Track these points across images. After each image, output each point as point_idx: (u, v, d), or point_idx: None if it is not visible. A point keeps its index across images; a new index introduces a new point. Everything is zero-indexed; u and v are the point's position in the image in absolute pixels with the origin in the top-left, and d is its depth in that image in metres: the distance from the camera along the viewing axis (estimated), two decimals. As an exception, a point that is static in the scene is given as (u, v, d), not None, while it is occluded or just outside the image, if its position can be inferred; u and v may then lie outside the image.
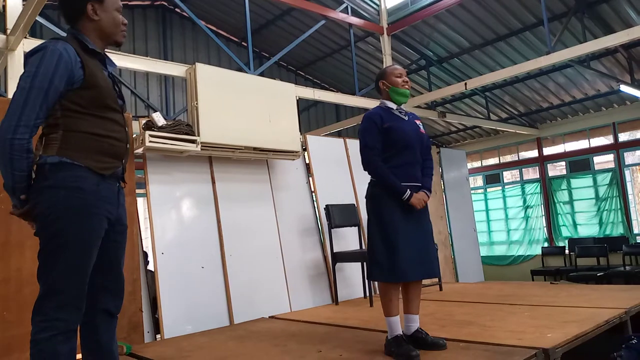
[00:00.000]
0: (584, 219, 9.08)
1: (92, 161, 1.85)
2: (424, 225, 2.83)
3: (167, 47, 8.94)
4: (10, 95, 3.94)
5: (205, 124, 4.25)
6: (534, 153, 9.95)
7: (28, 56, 1.83)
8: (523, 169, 10.15)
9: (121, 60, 4.65)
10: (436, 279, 5.17)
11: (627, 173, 8.69)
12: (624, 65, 7.52)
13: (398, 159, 2.77)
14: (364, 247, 5.17)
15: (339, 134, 8.16)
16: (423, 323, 2.87)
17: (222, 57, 9.25)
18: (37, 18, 3.95)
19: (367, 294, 4.69)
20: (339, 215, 4.94)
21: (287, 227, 4.95)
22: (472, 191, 9.51)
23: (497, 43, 7.66)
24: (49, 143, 1.83)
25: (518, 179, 10.27)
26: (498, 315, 3.50)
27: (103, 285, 1.95)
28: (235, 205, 4.60)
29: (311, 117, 10.44)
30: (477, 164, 10.90)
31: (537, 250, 9.51)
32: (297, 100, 5.28)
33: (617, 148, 8.73)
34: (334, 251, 4.82)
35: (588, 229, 8.98)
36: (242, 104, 4.55)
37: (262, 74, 5.64)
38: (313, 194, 5.33)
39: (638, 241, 8.34)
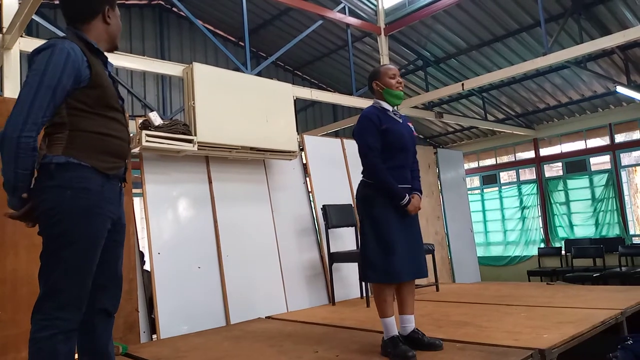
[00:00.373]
0: (580, 219, 9.10)
1: (98, 161, 1.85)
2: (414, 225, 2.83)
3: (164, 46, 8.93)
4: (6, 94, 3.93)
5: (202, 123, 4.24)
6: (530, 154, 9.97)
7: (35, 54, 1.82)
8: (520, 170, 10.18)
9: (118, 59, 4.63)
10: (433, 280, 5.18)
11: (623, 174, 8.72)
12: (620, 66, 7.54)
13: (393, 161, 2.75)
14: (360, 247, 5.16)
15: (336, 134, 8.15)
16: (419, 323, 2.87)
17: (220, 56, 9.24)
18: (33, 17, 3.93)
19: (364, 295, 4.69)
20: (336, 216, 4.93)
21: (284, 228, 4.95)
22: (469, 192, 9.53)
23: (494, 44, 7.67)
24: (54, 142, 1.82)
25: (515, 180, 10.29)
26: (494, 316, 3.50)
27: (101, 284, 1.95)
28: (232, 205, 4.59)
29: (308, 117, 10.44)
30: (474, 165, 10.92)
31: (533, 251, 9.54)
32: (295, 100, 5.28)
33: (614, 149, 8.76)
34: (331, 251, 4.82)
35: (584, 230, 9.01)
36: (239, 103, 4.54)
37: (259, 74, 5.64)
38: (310, 194, 5.33)
39: (634, 242, 8.37)
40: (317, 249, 5.17)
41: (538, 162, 9.77)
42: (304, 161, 5.41)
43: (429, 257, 5.19)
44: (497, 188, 10.51)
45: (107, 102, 1.91)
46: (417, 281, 3.05)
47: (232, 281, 4.33)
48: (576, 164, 9.27)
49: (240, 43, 9.43)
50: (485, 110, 9.29)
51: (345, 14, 7.15)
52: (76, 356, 1.90)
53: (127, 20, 8.42)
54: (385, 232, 2.68)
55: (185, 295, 4.03)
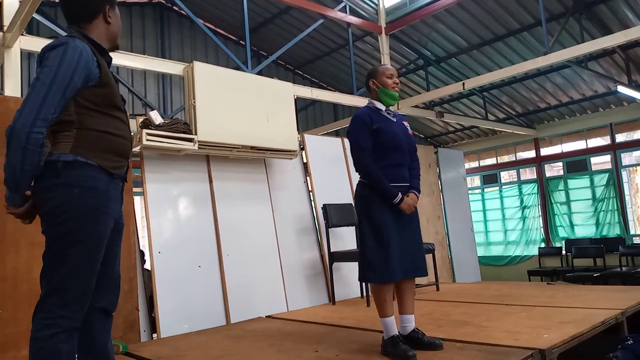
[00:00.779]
0: (581, 219, 9.10)
1: (104, 160, 1.86)
2: (413, 224, 2.83)
3: (165, 45, 8.92)
4: (7, 92, 3.93)
5: (203, 122, 4.24)
6: (531, 153, 9.96)
7: (47, 50, 1.81)
8: (520, 170, 10.17)
9: (119, 58, 4.63)
10: (433, 279, 5.18)
11: (624, 174, 8.71)
12: (621, 66, 7.53)
13: (387, 160, 2.76)
14: (361, 246, 5.16)
15: (336, 134, 8.15)
16: (419, 323, 2.87)
17: (220, 55, 9.23)
18: (33, 15, 3.93)
19: (364, 294, 4.69)
20: (336, 215, 4.93)
21: (285, 227, 4.95)
22: (470, 191, 9.53)
23: (495, 43, 7.66)
24: (61, 140, 1.82)
25: (515, 180, 10.28)
26: (494, 316, 3.50)
27: (99, 283, 1.94)
28: (232, 204, 4.59)
29: (309, 116, 10.43)
30: (474, 164, 10.92)
31: (534, 250, 9.53)
32: (295, 99, 5.28)
33: (614, 149, 8.75)
34: (331, 251, 4.81)
35: (585, 230, 9.01)
36: (239, 102, 4.54)
37: (260, 73, 5.63)
38: (310, 193, 5.33)
39: (634, 242, 8.37)
40: (317, 248, 5.17)
41: (539, 162, 9.76)
42: (305, 160, 5.41)
43: (429, 257, 5.20)
44: (497, 188, 10.50)
45: (113, 101, 1.92)
46: (417, 280, 3.05)
47: (233, 280, 4.33)
48: (577, 164, 9.26)
49: (240, 42, 9.43)
50: (486, 110, 9.28)
51: (346, 13, 7.14)
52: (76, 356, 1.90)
53: (128, 18, 8.42)
54: (383, 232, 2.68)
55: (185, 294, 4.03)
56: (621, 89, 7.19)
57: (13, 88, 3.94)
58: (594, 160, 9.11)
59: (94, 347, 1.95)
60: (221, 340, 3.44)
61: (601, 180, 8.84)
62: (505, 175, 10.59)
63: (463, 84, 6.76)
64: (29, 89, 1.77)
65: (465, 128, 10.48)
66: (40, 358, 1.72)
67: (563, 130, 9.43)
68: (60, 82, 1.75)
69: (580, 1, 6.39)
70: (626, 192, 8.64)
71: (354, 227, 5.13)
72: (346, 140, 5.81)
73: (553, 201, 9.45)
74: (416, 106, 7.73)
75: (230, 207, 4.57)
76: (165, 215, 4.19)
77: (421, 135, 11.17)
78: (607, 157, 8.91)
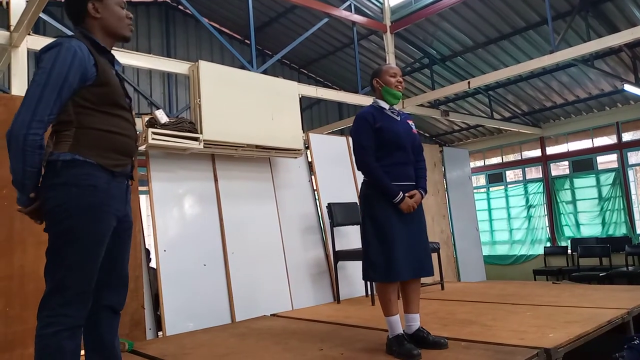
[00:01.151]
0: (587, 218, 9.06)
1: (104, 158, 1.86)
2: (419, 223, 2.82)
3: (170, 44, 8.94)
4: (14, 91, 3.95)
5: (208, 121, 4.25)
6: (537, 152, 9.92)
7: (42, 52, 1.83)
8: (526, 168, 10.13)
9: (124, 57, 4.64)
10: (438, 278, 5.17)
11: (630, 173, 8.66)
12: (628, 64, 7.49)
13: (390, 159, 2.76)
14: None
15: (341, 132, 8.15)
16: (424, 322, 2.87)
17: (225, 54, 9.24)
18: (40, 15, 3.95)
19: (369, 293, 4.69)
20: (341, 214, 4.93)
21: (289, 225, 4.95)
22: (475, 190, 9.50)
23: (501, 42, 7.63)
24: (61, 140, 1.83)
25: (521, 179, 10.25)
26: (500, 315, 3.49)
27: (107, 281, 1.96)
28: (237, 203, 4.60)
29: (314, 115, 10.43)
30: (479, 163, 10.88)
31: (539, 250, 9.49)
32: (300, 98, 5.28)
33: (621, 148, 8.70)
34: (336, 249, 4.82)
35: (591, 229, 8.96)
36: (244, 101, 4.55)
37: (265, 72, 5.64)
38: (315, 192, 5.33)
39: (641, 241, 8.32)
40: (322, 247, 5.17)
41: (544, 161, 9.72)
42: (310, 159, 5.42)
43: (434, 256, 5.20)
44: (503, 187, 10.47)
45: (113, 100, 1.91)
46: (422, 280, 3.05)
47: (238, 279, 4.35)
48: (583, 163, 9.22)
49: (246, 41, 9.43)
50: (491, 109, 9.25)
51: (351, 11, 7.13)
52: (82, 352, 1.91)
53: (133, 18, 8.42)
54: (386, 231, 2.68)
55: (190, 292, 4.04)
56: (628, 87, 7.15)
57: (20, 87, 3.96)
58: (600, 159, 9.06)
59: (101, 345, 1.96)
60: (226, 339, 3.45)
61: (607, 179, 8.80)
62: (511, 174, 10.56)
63: (468, 82, 6.74)
64: (26, 91, 1.79)
65: (470, 127, 10.45)
66: (45, 355, 1.74)
67: (569, 129, 9.38)
68: (54, 82, 1.76)
69: (587, -1, 6.36)
70: (633, 191, 8.59)
71: (359, 225, 5.12)
72: (351, 139, 5.81)
73: (559, 200, 9.40)
74: (421, 105, 7.72)
75: (236, 206, 4.58)
76: (170, 214, 4.20)
77: (426, 134, 11.15)
78: (613, 156, 8.87)
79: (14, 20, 4.02)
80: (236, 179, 4.70)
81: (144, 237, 4.14)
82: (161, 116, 4.07)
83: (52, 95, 1.75)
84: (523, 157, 10.21)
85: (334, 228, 4.87)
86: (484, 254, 8.28)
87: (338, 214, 4.90)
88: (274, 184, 4.98)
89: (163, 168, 4.26)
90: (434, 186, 7.17)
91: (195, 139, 4.15)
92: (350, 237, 5.20)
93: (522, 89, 8.76)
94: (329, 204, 4.93)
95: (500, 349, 2.54)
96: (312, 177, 5.37)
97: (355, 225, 5.14)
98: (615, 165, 8.77)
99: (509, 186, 10.38)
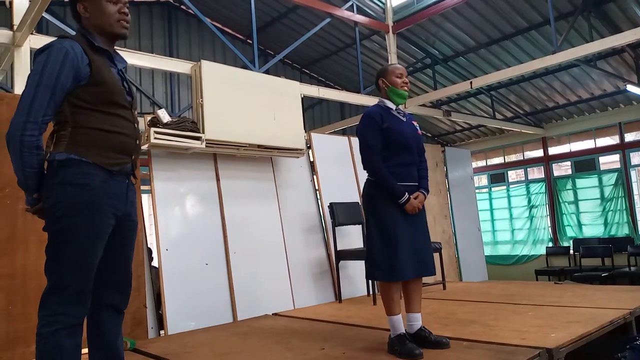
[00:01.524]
0: (589, 219, 9.04)
1: (100, 157, 1.86)
2: (421, 223, 2.83)
3: (173, 44, 8.96)
4: (17, 90, 3.96)
5: (210, 121, 4.26)
6: (539, 152, 9.91)
7: (36, 55, 1.86)
8: (528, 169, 10.12)
9: (126, 56, 4.59)
10: (440, 278, 5.17)
11: (633, 173, 8.65)
12: (630, 64, 7.47)
13: (396, 159, 2.77)
14: (367, 245, 5.16)
15: (343, 132, 8.15)
16: (426, 322, 2.87)
17: (228, 54, 9.25)
18: (43, 14, 3.96)
19: (371, 292, 4.69)
20: (343, 213, 4.93)
21: (291, 225, 4.96)
22: (477, 190, 9.49)
23: (503, 42, 7.63)
24: (59, 140, 1.85)
25: (523, 179, 10.23)
26: (502, 315, 3.49)
27: (110, 280, 1.97)
28: (239, 202, 4.61)
29: (316, 115, 10.44)
30: (482, 163, 10.87)
31: (541, 250, 9.48)
32: (302, 98, 5.28)
33: (623, 148, 8.68)
34: (338, 249, 4.82)
35: (593, 229, 8.95)
36: (247, 101, 4.56)
37: (267, 72, 5.64)
38: (317, 191, 5.33)
39: (643, 242, 8.30)
40: (324, 247, 5.17)
41: (547, 161, 9.71)
42: (311, 159, 5.42)
43: (436, 256, 5.19)
44: (505, 187, 10.46)
45: (110, 98, 1.91)
46: (424, 279, 3.05)
47: (239, 278, 4.35)
48: (585, 163, 9.20)
49: (248, 41, 9.44)
50: (493, 109, 9.24)
51: (353, 11, 7.14)
52: (85, 350, 1.92)
53: (136, 17, 8.46)
54: (390, 231, 2.69)
55: (192, 291, 4.05)
56: (630, 88, 7.13)
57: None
58: (603, 159, 9.05)
59: (104, 343, 1.97)
60: (228, 338, 3.45)
61: (610, 179, 8.78)
62: (513, 175, 10.55)
63: (471, 82, 6.74)
64: (21, 94, 1.81)
65: (472, 127, 10.44)
66: (45, 353, 1.75)
67: (571, 130, 9.37)
68: (46, 84, 1.78)
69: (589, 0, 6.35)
70: (635, 191, 8.57)
71: (361, 225, 5.13)
72: (353, 139, 5.82)
73: (561, 200, 9.39)
74: (423, 105, 7.72)
75: (238, 206, 4.59)
76: (172, 213, 4.21)
77: (428, 134, 11.14)
78: (615, 157, 8.85)
79: (17, 19, 4.04)
80: (238, 178, 4.70)
81: (146, 236, 4.15)
82: (163, 115, 4.08)
83: (45, 96, 1.77)
84: (525, 158, 10.20)
85: (336, 228, 4.88)
86: (485, 254, 8.28)
87: (340, 213, 4.90)
88: (275, 184, 4.98)
89: (165, 167, 4.26)
90: (436, 186, 7.16)
91: (198, 139, 4.16)
92: (352, 236, 5.20)
93: (524, 89, 8.75)
94: (330, 203, 4.93)
95: (502, 349, 2.54)
96: (314, 176, 5.38)
97: (357, 225, 5.14)
98: (618, 165, 8.76)
99: (511, 186, 10.37)
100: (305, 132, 5.26)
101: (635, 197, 8.53)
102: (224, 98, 4.42)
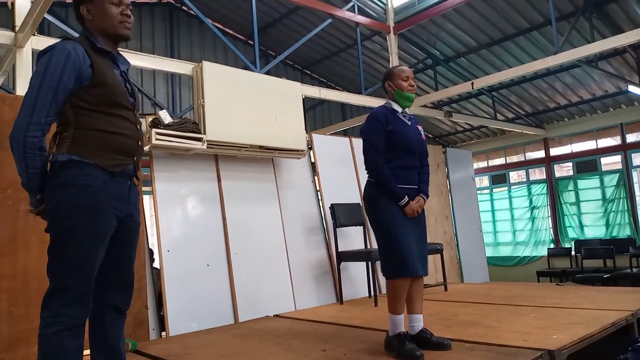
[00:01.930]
0: (591, 220, 9.02)
1: (101, 158, 1.86)
2: (421, 225, 2.85)
3: (174, 45, 8.97)
4: (19, 92, 3.97)
5: (212, 122, 4.26)
6: (540, 153, 9.90)
7: (39, 56, 1.87)
8: (529, 170, 10.11)
9: (128, 57, 4.59)
10: (441, 279, 5.17)
11: (634, 174, 8.63)
12: (632, 65, 7.46)
13: (398, 162, 2.78)
14: (369, 246, 5.17)
15: (344, 133, 8.15)
16: (428, 323, 2.87)
17: (229, 55, 9.26)
18: (45, 16, 3.97)
19: (372, 294, 4.69)
20: (344, 215, 4.93)
21: (292, 226, 4.96)
22: (478, 191, 9.48)
23: (505, 42, 7.62)
24: (61, 141, 1.86)
25: (524, 180, 10.22)
26: (503, 316, 3.48)
27: (112, 281, 1.97)
28: (240, 203, 4.61)
29: (317, 116, 10.44)
30: (483, 164, 10.86)
31: (543, 251, 9.47)
32: (303, 99, 5.28)
33: (625, 149, 8.67)
34: (339, 250, 4.82)
35: (595, 231, 8.93)
36: (248, 102, 4.56)
37: (268, 73, 5.64)
38: (318, 192, 5.33)
39: (645, 243, 8.28)
40: (325, 248, 5.17)
41: (548, 162, 9.70)
42: (313, 160, 5.42)
43: (437, 257, 5.21)
44: (506, 188, 10.44)
45: (112, 99, 1.91)
46: (425, 280, 3.05)
47: (241, 279, 4.35)
48: (587, 164, 9.19)
49: (249, 42, 9.45)
50: (495, 110, 9.24)
51: (354, 12, 7.14)
52: (87, 352, 1.92)
53: (137, 18, 8.47)
54: (392, 230, 2.71)
55: (194, 292, 4.05)
56: (632, 88, 7.12)
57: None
58: (604, 160, 9.03)
59: (106, 344, 1.97)
60: (229, 339, 3.45)
61: (611, 180, 8.77)
62: (514, 176, 10.53)
63: (472, 83, 6.73)
64: (24, 96, 1.82)
65: (474, 128, 10.44)
66: (48, 354, 1.75)
67: (573, 130, 9.36)
68: (48, 85, 1.79)
69: (591, 0, 6.34)
70: (637, 192, 8.55)
71: (362, 226, 5.13)
72: (354, 140, 5.82)
73: (562, 202, 9.38)
74: (425, 106, 7.71)
75: (239, 207, 4.59)
76: (174, 214, 4.21)
77: (429, 135, 11.13)
78: (617, 158, 8.84)
79: (18, 20, 4.04)
80: (239, 179, 4.70)
81: (147, 237, 4.15)
82: (165, 116, 4.08)
83: (48, 97, 1.78)
84: (527, 158, 10.19)
85: (337, 229, 4.87)
86: (487, 255, 8.27)
87: (341, 214, 4.90)
88: (277, 185, 4.98)
89: (166, 168, 4.27)
90: (437, 187, 7.16)
91: (199, 140, 4.16)
92: (353, 237, 5.20)
93: (525, 90, 8.74)
94: (332, 204, 4.94)
95: (503, 351, 2.54)
96: (315, 177, 5.37)
97: (358, 226, 5.14)
98: (619, 166, 8.75)
99: (512, 187, 10.36)
100: (307, 133, 5.26)
101: (637, 198, 8.51)
102: (225, 99, 4.42)
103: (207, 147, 4.22)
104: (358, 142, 5.73)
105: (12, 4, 4.15)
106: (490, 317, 3.49)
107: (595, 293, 4.40)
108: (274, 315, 4.32)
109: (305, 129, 5.14)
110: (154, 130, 3.95)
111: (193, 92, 4.57)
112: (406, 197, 2.72)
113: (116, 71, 1.99)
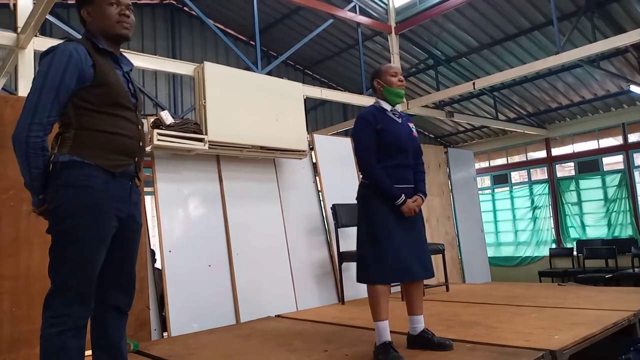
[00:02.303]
0: (593, 220, 9.02)
1: (103, 159, 1.87)
2: (417, 226, 2.79)
3: (176, 45, 8.98)
4: (20, 92, 3.98)
5: (213, 122, 4.27)
6: (542, 153, 9.89)
7: (41, 57, 1.87)
8: (531, 170, 10.10)
9: (130, 58, 4.65)
10: (443, 280, 5.16)
11: (636, 174, 8.62)
12: (634, 65, 7.46)
13: (390, 161, 2.73)
14: (370, 246, 5.15)
15: (346, 134, 8.14)
16: (429, 323, 2.87)
17: (230, 55, 9.27)
18: (47, 17, 3.98)
19: (374, 294, 4.68)
20: (346, 215, 4.92)
21: (294, 227, 4.96)
22: (480, 192, 9.47)
23: (506, 42, 7.62)
24: (63, 142, 1.86)
25: (526, 180, 10.22)
26: (505, 317, 3.48)
27: (114, 282, 1.97)
28: (242, 204, 4.61)
29: (318, 116, 10.44)
30: (484, 164, 10.86)
31: (544, 251, 9.46)
32: (305, 99, 5.28)
33: (627, 149, 8.66)
34: (341, 251, 4.81)
35: (596, 231, 8.92)
36: (249, 102, 4.56)
37: (269, 73, 5.65)
38: (320, 193, 5.33)
39: (647, 243, 8.27)
40: (326, 248, 5.17)
41: (550, 162, 9.69)
42: (314, 160, 5.42)
43: (439, 257, 5.20)
44: (508, 188, 10.44)
45: (114, 100, 1.92)
46: (427, 281, 3.04)
47: (242, 279, 4.35)
48: (588, 164, 9.18)
49: (251, 42, 9.46)
50: (496, 110, 9.23)
51: (355, 12, 7.14)
52: (89, 352, 1.92)
53: (139, 19, 8.48)
54: (380, 233, 2.65)
55: (195, 293, 4.05)
56: (634, 88, 7.12)
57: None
58: (606, 160, 9.03)
59: (108, 344, 1.97)
60: (231, 340, 3.45)
61: (613, 180, 8.76)
62: (516, 176, 10.53)
63: (473, 83, 6.73)
64: (26, 97, 1.83)
65: (475, 128, 10.43)
66: (50, 355, 1.76)
67: (574, 130, 9.35)
68: (50, 85, 1.79)
69: (593, 0, 6.33)
70: (639, 192, 8.54)
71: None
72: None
73: (564, 202, 9.37)
74: (426, 106, 7.71)
75: (240, 207, 4.59)
76: (175, 215, 4.21)
77: (431, 135, 11.14)
78: (619, 158, 8.83)
79: (21, 21, 4.05)
80: (241, 180, 4.71)
81: (149, 237, 4.16)
82: (166, 117, 4.09)
83: (50, 98, 1.79)
84: (528, 158, 10.18)
85: (339, 229, 4.87)
86: (489, 256, 8.26)
87: (342, 215, 4.90)
88: (278, 185, 4.98)
89: (168, 169, 4.27)
90: (439, 187, 7.16)
91: (200, 140, 4.17)
92: (355, 238, 5.17)
93: (527, 90, 8.74)
94: (333, 205, 4.93)
95: (505, 351, 2.54)
96: (317, 178, 5.37)
97: (359, 227, 5.13)
98: (621, 166, 8.73)
99: (514, 187, 10.35)
100: (308, 133, 5.26)
101: (639, 198, 8.50)
102: (227, 99, 4.43)
103: (209, 148, 4.23)
104: (359, 143, 5.72)
105: (14, 5, 4.17)
106: (491, 317, 3.49)
107: (597, 293, 4.39)
108: (275, 316, 4.32)
109: (307, 130, 5.14)
110: (156, 131, 3.96)
111: (195, 93, 4.58)
112: (403, 195, 2.67)
113: (118, 72, 2.00)
